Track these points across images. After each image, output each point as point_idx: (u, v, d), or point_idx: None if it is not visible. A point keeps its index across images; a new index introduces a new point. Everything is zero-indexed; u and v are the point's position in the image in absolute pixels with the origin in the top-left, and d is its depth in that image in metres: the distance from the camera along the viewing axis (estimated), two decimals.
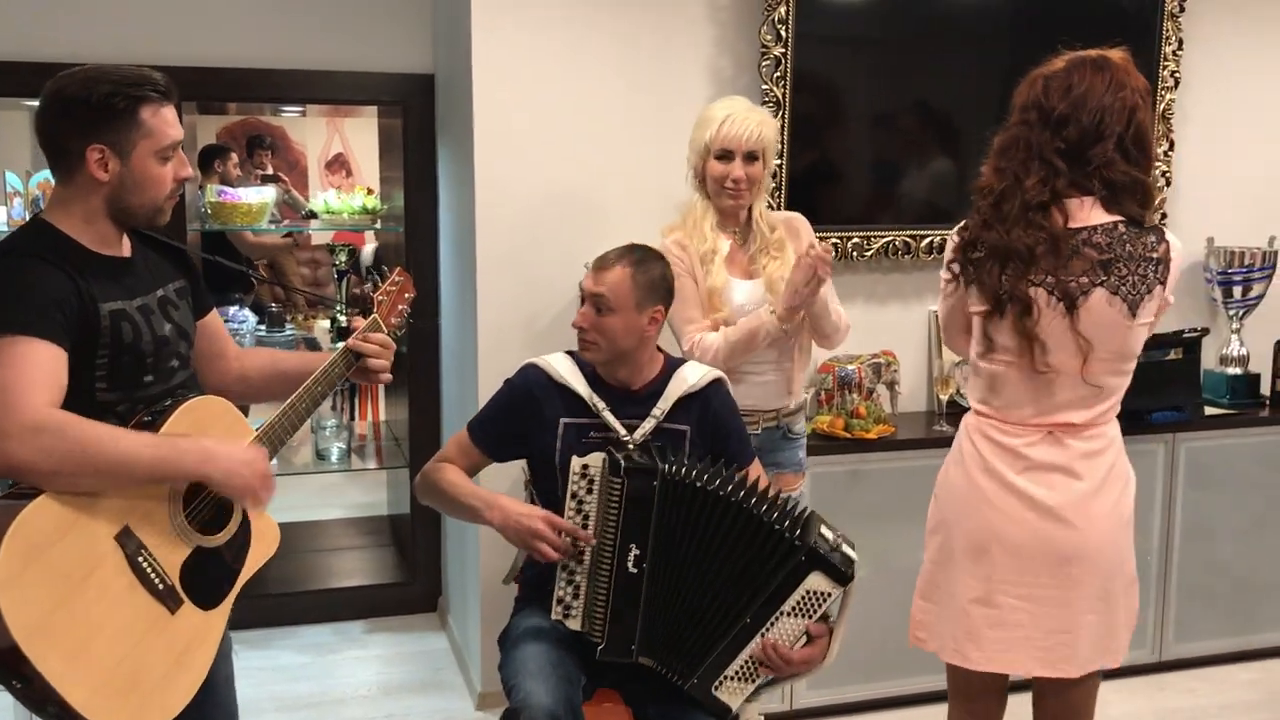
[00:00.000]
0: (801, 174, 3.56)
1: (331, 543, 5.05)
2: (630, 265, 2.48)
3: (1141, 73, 3.29)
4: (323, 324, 4.84)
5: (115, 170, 1.92)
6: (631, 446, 2.41)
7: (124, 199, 1.95)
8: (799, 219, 3.05)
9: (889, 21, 3.66)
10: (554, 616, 2.35)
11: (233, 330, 4.37)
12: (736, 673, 2.30)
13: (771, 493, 2.37)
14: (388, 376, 2.30)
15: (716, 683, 2.30)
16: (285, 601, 4.31)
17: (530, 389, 2.51)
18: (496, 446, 2.57)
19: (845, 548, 2.30)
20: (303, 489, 5.52)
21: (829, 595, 2.28)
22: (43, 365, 1.80)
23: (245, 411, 2.18)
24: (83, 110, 1.90)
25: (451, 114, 3.73)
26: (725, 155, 2.83)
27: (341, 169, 9.03)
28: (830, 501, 3.36)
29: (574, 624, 2.35)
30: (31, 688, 1.74)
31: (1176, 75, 3.88)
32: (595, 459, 2.33)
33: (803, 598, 2.27)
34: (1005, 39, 3.75)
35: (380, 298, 2.33)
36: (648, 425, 2.47)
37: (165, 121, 1.96)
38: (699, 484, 2.31)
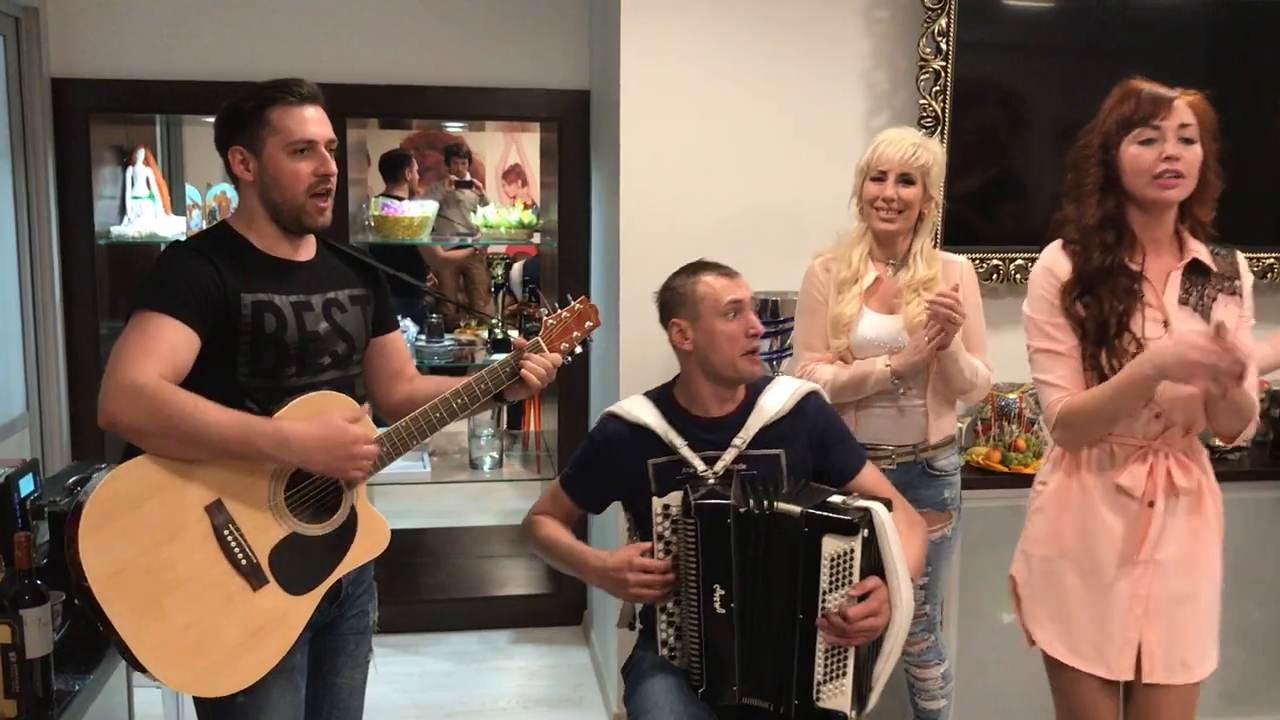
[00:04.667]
0: (962, 192, 3.40)
1: (485, 550, 5.12)
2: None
3: None
4: (483, 335, 4.91)
5: (255, 169, 2.08)
6: (712, 480, 2.32)
7: (270, 196, 2.08)
8: (962, 266, 2.86)
9: (1066, 30, 3.47)
10: (661, 654, 2.31)
11: None
12: (825, 674, 2.17)
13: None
14: (541, 380, 2.25)
15: (815, 695, 2.18)
16: (435, 608, 4.39)
17: (611, 439, 2.44)
18: (590, 499, 2.52)
19: (857, 502, 2.16)
20: (460, 494, 5.63)
21: (852, 552, 2.11)
22: (164, 339, 1.93)
23: None
24: (225, 117, 2.10)
25: (603, 131, 3.73)
26: (880, 176, 2.76)
27: (518, 179, 9.20)
28: (985, 540, 3.20)
29: (679, 663, 2.30)
30: (108, 630, 1.87)
31: None
32: (675, 498, 2.25)
33: (831, 568, 2.12)
34: (1202, 48, 3.51)
35: (550, 321, 2.32)
36: (728, 456, 2.36)
37: (295, 119, 2.07)
38: (778, 512, 2.16)
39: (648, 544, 2.28)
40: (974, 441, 3.42)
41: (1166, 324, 2.21)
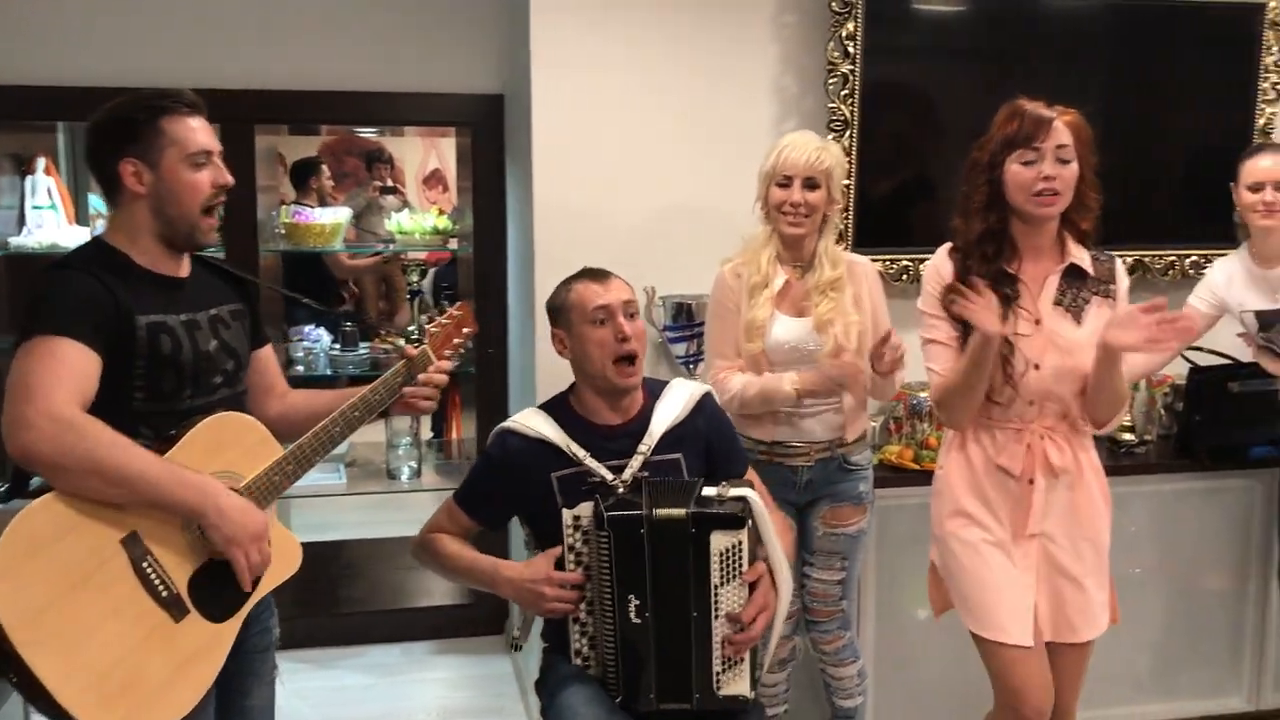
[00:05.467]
0: (873, 195, 3.44)
1: (405, 561, 5.04)
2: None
3: (1240, 86, 3.26)
4: (400, 343, 4.84)
5: (149, 181, 2.01)
6: (621, 490, 2.30)
7: (164, 210, 2.02)
8: (863, 266, 2.94)
9: (973, 35, 3.53)
10: (576, 663, 2.30)
11: (306, 349, 4.42)
12: (723, 664, 2.23)
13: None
14: (430, 405, 2.31)
15: (716, 685, 2.24)
16: (354, 621, 4.33)
17: (511, 455, 2.39)
18: (489, 516, 2.47)
19: (731, 491, 2.21)
20: (378, 504, 5.55)
21: (740, 545, 2.18)
22: (70, 364, 1.86)
23: None
24: (111, 129, 2.02)
25: (517, 136, 3.71)
26: (785, 182, 2.79)
27: (439, 184, 9.13)
28: (901, 537, 3.24)
29: (593, 673, 2.29)
30: (24, 681, 1.78)
31: (1278, 87, 3.65)
32: (585, 509, 2.24)
33: (721, 563, 2.19)
34: (1104, 53, 3.61)
35: (433, 329, 2.30)
36: (635, 463, 2.35)
37: (190, 129, 2.02)
38: (676, 515, 2.17)
39: (557, 550, 2.27)
40: (887, 440, 3.46)
41: (1039, 323, 2.40)
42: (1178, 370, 3.64)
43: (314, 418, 2.19)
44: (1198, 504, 3.51)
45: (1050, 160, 2.33)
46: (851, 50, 3.33)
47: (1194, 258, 3.71)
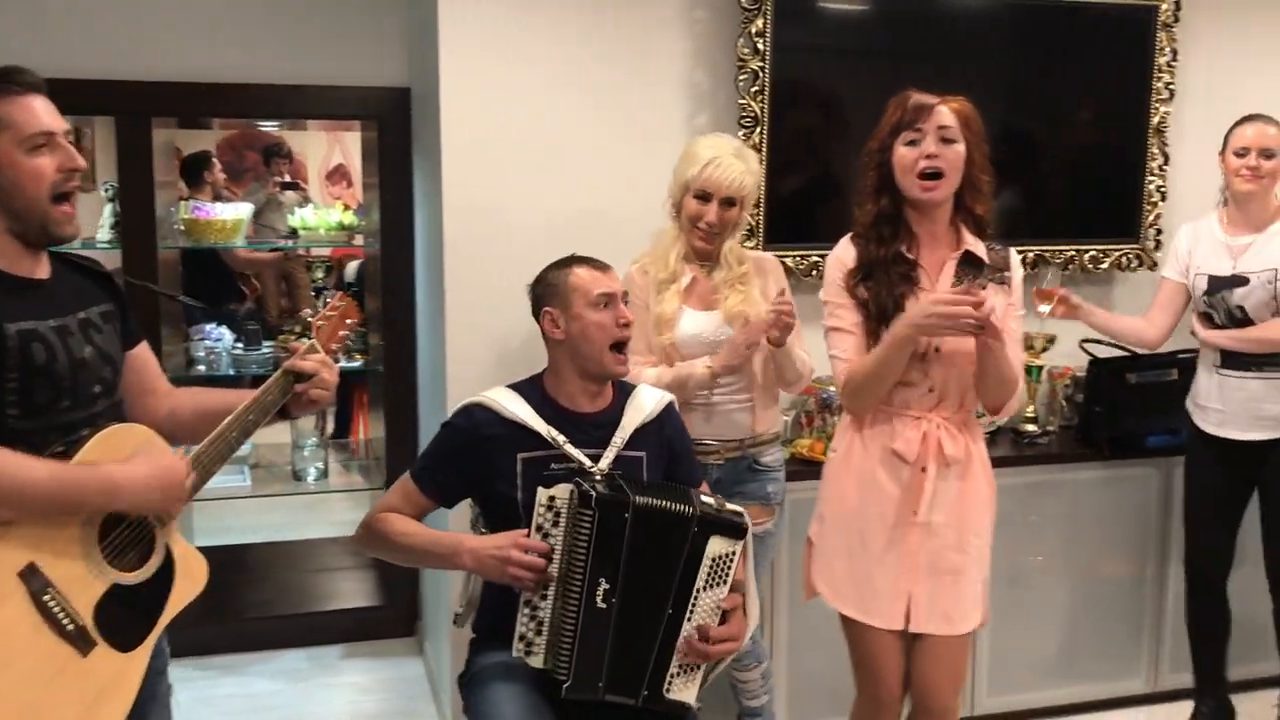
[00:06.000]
0: (783, 190, 3.47)
1: (313, 564, 4.96)
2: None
3: (1135, 85, 3.40)
4: (306, 341, 4.74)
5: None
6: (599, 477, 2.31)
7: (11, 204, 1.86)
8: (770, 261, 3.02)
9: (878, 33, 3.57)
10: (515, 653, 2.25)
11: (209, 348, 4.30)
12: (679, 669, 2.27)
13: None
14: (327, 396, 2.18)
15: (666, 686, 2.26)
16: (261, 626, 4.22)
17: (478, 430, 2.40)
18: (446, 492, 2.46)
19: (730, 505, 2.31)
20: (286, 506, 5.44)
21: (733, 555, 2.26)
22: None
23: None
24: None
25: (425, 130, 3.65)
26: (704, 196, 2.81)
27: (343, 180, 8.98)
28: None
29: (536, 661, 2.25)
30: None
31: (1171, 87, 3.77)
32: (562, 490, 2.23)
33: (711, 567, 2.24)
34: (1005, 51, 3.67)
35: (319, 322, 2.25)
36: (609, 454, 2.39)
37: (27, 111, 1.86)
38: (673, 510, 2.23)
39: (524, 531, 2.24)
40: (799, 434, 3.49)
41: None
42: (1079, 362, 3.74)
43: (203, 417, 2.08)
44: (1098, 492, 3.61)
45: (932, 139, 2.38)
46: (761, 47, 3.35)
47: (1092, 252, 3.81)
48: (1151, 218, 3.84)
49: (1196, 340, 3.32)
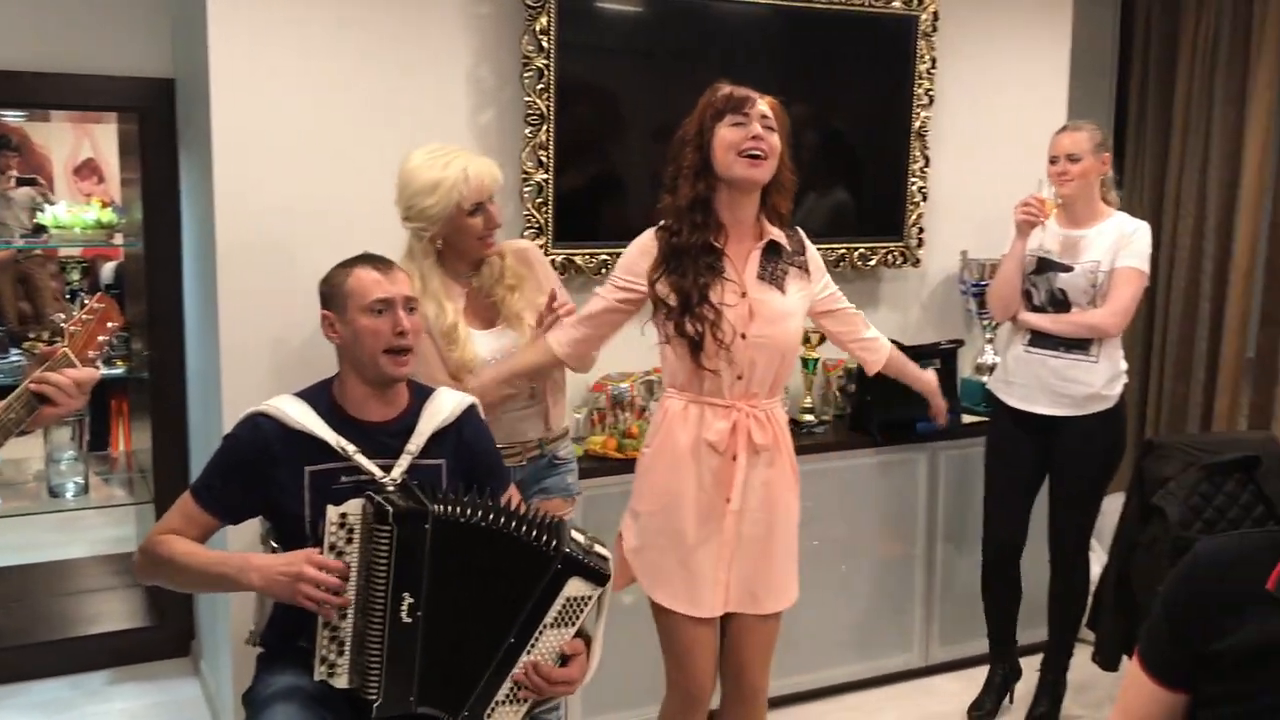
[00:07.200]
0: (570, 190, 3.47)
1: (73, 585, 4.63)
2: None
3: (898, 91, 3.60)
4: (38, 349, 4.40)
5: None
6: (391, 489, 2.24)
7: None
8: (532, 249, 2.95)
9: (658, 35, 3.61)
10: (317, 677, 2.15)
11: None
12: (507, 696, 2.20)
13: (526, 510, 2.28)
14: (77, 403, 2.02)
15: (489, 710, 2.19)
16: (14, 655, 3.91)
17: (263, 442, 2.27)
18: (231, 510, 2.32)
19: (598, 548, 2.25)
20: (41, 525, 5.05)
21: (589, 599, 2.21)
22: None
23: None
24: None
25: (192, 123, 3.46)
26: (477, 210, 2.71)
27: (93, 175, 8.40)
28: (606, 524, 3.26)
29: (340, 682, 2.15)
30: None
31: (931, 93, 3.99)
32: (354, 506, 2.14)
33: (563, 606, 2.19)
34: (777, 55, 3.78)
35: (73, 329, 2.05)
36: (403, 463, 2.30)
37: None
38: (473, 520, 2.16)
39: (318, 549, 2.14)
40: (591, 431, 3.51)
41: (744, 294, 2.53)
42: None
43: None
44: (872, 477, 3.79)
45: (757, 123, 2.47)
46: (546, 45, 3.34)
47: (861, 250, 3.99)
48: (914, 217, 4.06)
49: (1013, 323, 3.54)
